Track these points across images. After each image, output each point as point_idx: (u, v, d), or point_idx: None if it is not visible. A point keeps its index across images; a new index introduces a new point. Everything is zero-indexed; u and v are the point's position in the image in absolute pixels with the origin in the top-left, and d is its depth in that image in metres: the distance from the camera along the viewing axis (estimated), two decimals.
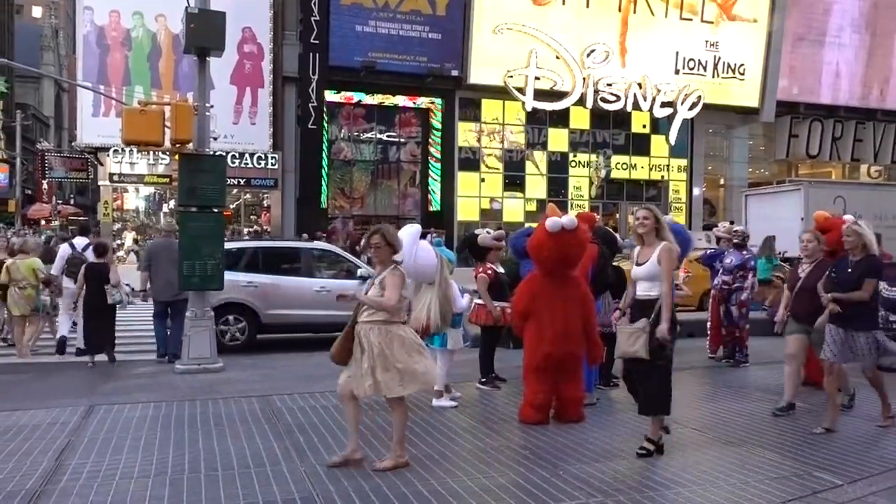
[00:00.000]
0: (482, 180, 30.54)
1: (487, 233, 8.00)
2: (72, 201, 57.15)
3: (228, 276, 9.65)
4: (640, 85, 29.89)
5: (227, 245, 10.48)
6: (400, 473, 4.96)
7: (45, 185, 42.68)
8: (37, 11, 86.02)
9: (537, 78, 28.52)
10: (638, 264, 5.50)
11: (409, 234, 6.71)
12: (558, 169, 31.57)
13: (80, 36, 26.43)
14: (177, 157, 9.45)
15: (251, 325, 10.87)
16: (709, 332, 9.95)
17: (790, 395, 6.66)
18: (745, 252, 9.55)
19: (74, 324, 10.14)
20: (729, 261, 9.41)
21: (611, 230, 7.99)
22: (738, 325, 9.34)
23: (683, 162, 33.07)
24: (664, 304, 5.26)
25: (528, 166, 31.19)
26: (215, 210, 9.29)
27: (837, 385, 6.25)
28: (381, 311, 4.97)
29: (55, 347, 10.08)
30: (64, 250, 10.69)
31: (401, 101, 29.42)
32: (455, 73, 28.24)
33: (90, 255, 9.97)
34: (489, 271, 7.66)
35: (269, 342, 12.05)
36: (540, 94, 28.68)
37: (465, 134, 29.99)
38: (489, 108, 30.23)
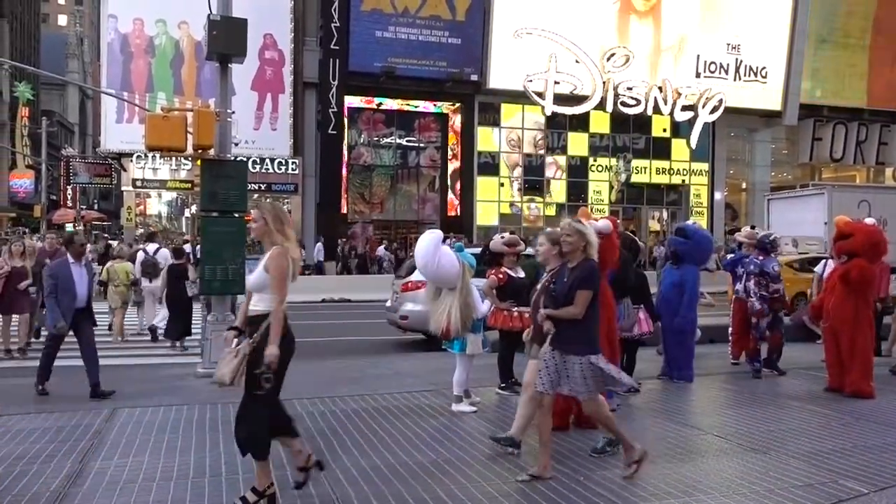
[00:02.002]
0: (501, 185, 30.53)
1: (501, 238, 7.99)
2: (95, 206, 58.02)
3: None
4: (660, 88, 29.73)
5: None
6: (419, 477, 4.96)
7: (69, 191, 43.30)
8: (62, 20, 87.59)
9: (557, 82, 28.45)
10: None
11: (431, 239, 6.68)
12: (578, 173, 31.46)
13: (104, 44, 26.81)
14: (199, 162, 9.54)
15: None
16: (731, 338, 9.86)
17: (517, 429, 5.47)
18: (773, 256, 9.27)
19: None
20: (773, 267, 8.90)
21: (632, 235, 7.95)
22: (781, 332, 9.07)
23: (705, 166, 32.82)
24: (273, 321, 4.36)
25: (548, 171, 31.12)
26: (237, 215, 9.36)
27: (549, 422, 5.14)
28: None
29: (149, 336, 12.34)
30: (139, 255, 13.15)
31: (420, 105, 29.49)
32: (474, 77, 28.28)
33: (159, 259, 12.53)
34: (500, 274, 7.65)
35: None
36: (559, 99, 28.62)
37: (485, 138, 30.03)
38: (509, 112, 30.23)
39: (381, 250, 27.23)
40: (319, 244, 25.94)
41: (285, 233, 4.49)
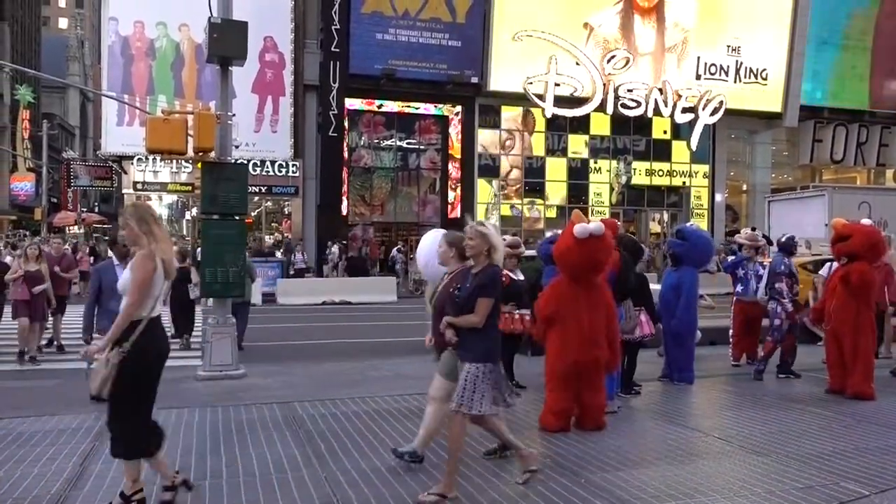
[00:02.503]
0: (502, 187, 30.55)
1: (503, 240, 7.98)
2: (96, 209, 57.99)
3: None
4: (660, 90, 29.74)
5: None
6: (420, 480, 4.96)
7: (70, 194, 43.32)
8: (63, 23, 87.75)
9: (557, 84, 28.47)
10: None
11: (433, 238, 6.70)
12: (578, 175, 31.47)
13: (105, 46, 26.82)
14: (199, 165, 9.55)
15: None
16: (731, 340, 9.87)
17: (419, 443, 5.32)
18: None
19: None
20: (795, 270, 8.97)
21: (634, 237, 7.95)
22: (795, 335, 9.01)
23: (705, 168, 32.82)
24: (117, 322, 4.24)
25: (549, 173, 31.13)
26: (237, 218, 9.37)
27: (460, 437, 4.77)
28: None
29: None
30: None
31: (421, 107, 29.52)
32: (475, 80, 28.29)
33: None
34: (503, 277, 7.64)
35: (286, 349, 12.13)
36: (560, 101, 28.63)
37: (485, 141, 30.05)
38: (509, 114, 30.26)
39: (394, 252, 27.34)
40: (336, 247, 25.77)
41: (152, 233, 4.34)
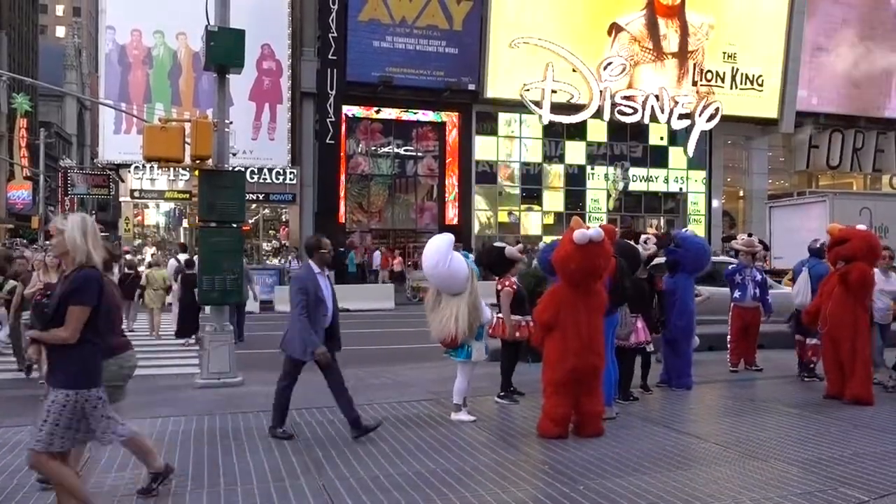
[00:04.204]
0: (500, 194, 30.59)
1: (513, 246, 7.97)
2: (93, 217, 57.90)
3: None
4: (657, 97, 29.82)
5: None
6: (418, 488, 4.95)
7: (67, 202, 43.27)
8: (60, 31, 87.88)
9: (554, 91, 28.53)
10: None
11: (444, 242, 6.69)
12: (576, 182, 31.51)
13: (102, 55, 26.83)
14: (197, 173, 9.54)
15: None
16: (729, 346, 9.86)
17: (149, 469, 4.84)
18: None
19: None
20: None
21: (631, 243, 7.93)
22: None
23: (702, 174, 32.89)
24: None
25: (546, 179, 31.16)
26: (234, 225, 9.36)
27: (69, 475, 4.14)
28: None
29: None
30: (171, 264, 15.07)
31: (418, 113, 29.56)
32: (472, 87, 28.35)
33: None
34: (514, 286, 7.64)
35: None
36: (556, 108, 28.69)
37: (482, 147, 30.10)
38: (506, 121, 30.31)
39: None
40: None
41: None
